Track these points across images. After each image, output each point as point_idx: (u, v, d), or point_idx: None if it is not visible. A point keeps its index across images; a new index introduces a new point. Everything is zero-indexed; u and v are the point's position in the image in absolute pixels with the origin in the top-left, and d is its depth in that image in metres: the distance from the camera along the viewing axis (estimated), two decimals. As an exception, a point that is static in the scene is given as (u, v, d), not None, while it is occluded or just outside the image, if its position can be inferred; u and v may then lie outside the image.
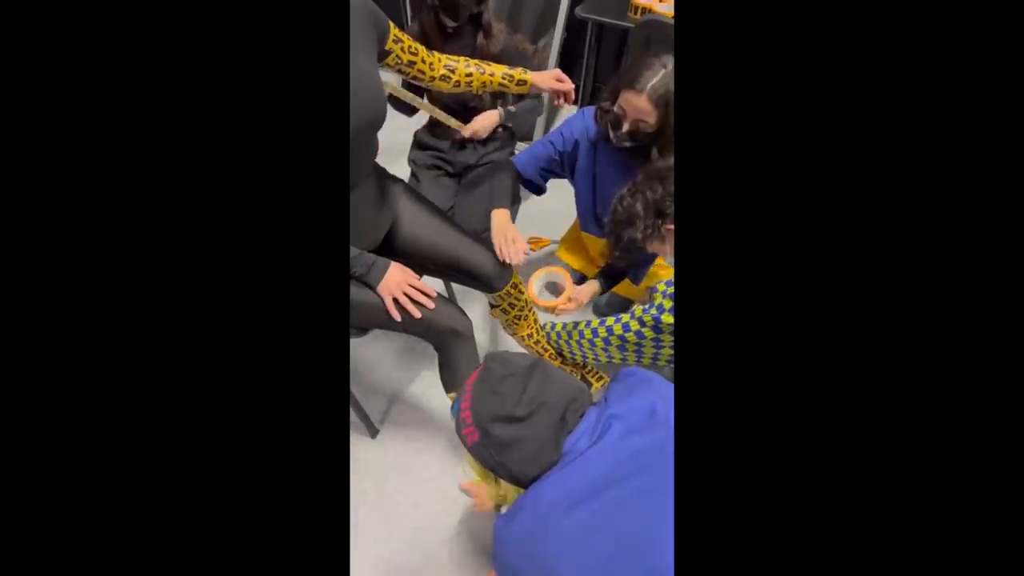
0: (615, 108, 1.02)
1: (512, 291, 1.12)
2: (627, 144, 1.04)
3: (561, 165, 1.22)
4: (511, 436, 0.63)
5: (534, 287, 1.15)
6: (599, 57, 2.22)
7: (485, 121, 1.42)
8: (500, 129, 1.62)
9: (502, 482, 0.71)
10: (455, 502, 1.17)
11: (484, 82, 1.01)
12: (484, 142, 1.59)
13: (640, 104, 0.97)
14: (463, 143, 1.57)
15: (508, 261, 1.04)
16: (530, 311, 1.19)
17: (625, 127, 1.01)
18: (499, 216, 1.12)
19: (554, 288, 1.20)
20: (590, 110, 1.15)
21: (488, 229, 1.47)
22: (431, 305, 0.95)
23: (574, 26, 2.08)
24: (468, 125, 1.43)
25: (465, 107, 1.45)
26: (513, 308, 1.16)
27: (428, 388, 1.38)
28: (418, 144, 1.62)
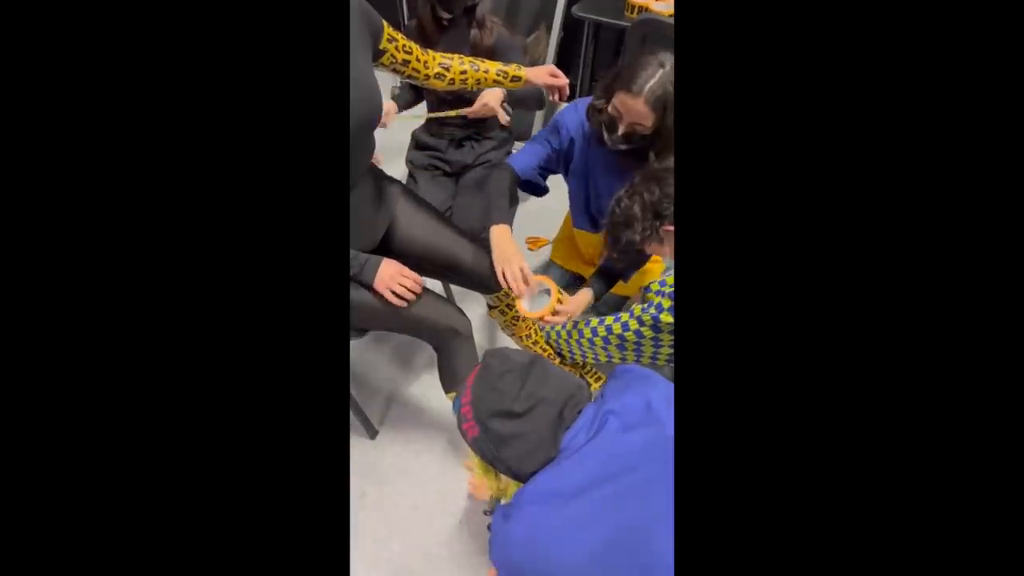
0: (610, 109, 0.98)
1: (511, 292, 1.12)
2: (622, 147, 1.01)
3: (557, 162, 1.18)
4: (509, 431, 0.64)
5: (523, 300, 1.11)
6: (596, 56, 2.23)
7: (491, 96, 1.39)
8: (498, 128, 1.62)
9: (502, 476, 0.72)
10: (455, 503, 1.16)
11: (479, 79, 1.00)
12: (481, 141, 1.59)
13: (636, 107, 0.92)
14: (460, 142, 1.57)
15: (513, 293, 1.01)
16: (528, 312, 1.19)
17: (620, 130, 0.97)
18: (499, 235, 1.04)
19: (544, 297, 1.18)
20: (584, 102, 1.09)
21: (487, 229, 1.47)
22: (418, 290, 0.96)
23: (571, 25, 2.08)
24: (475, 104, 1.40)
25: (460, 100, 1.45)
26: (511, 309, 1.16)
27: (427, 389, 1.38)
28: (416, 144, 1.61)
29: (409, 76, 0.94)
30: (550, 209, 1.50)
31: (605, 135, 1.01)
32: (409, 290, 0.94)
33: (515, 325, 1.19)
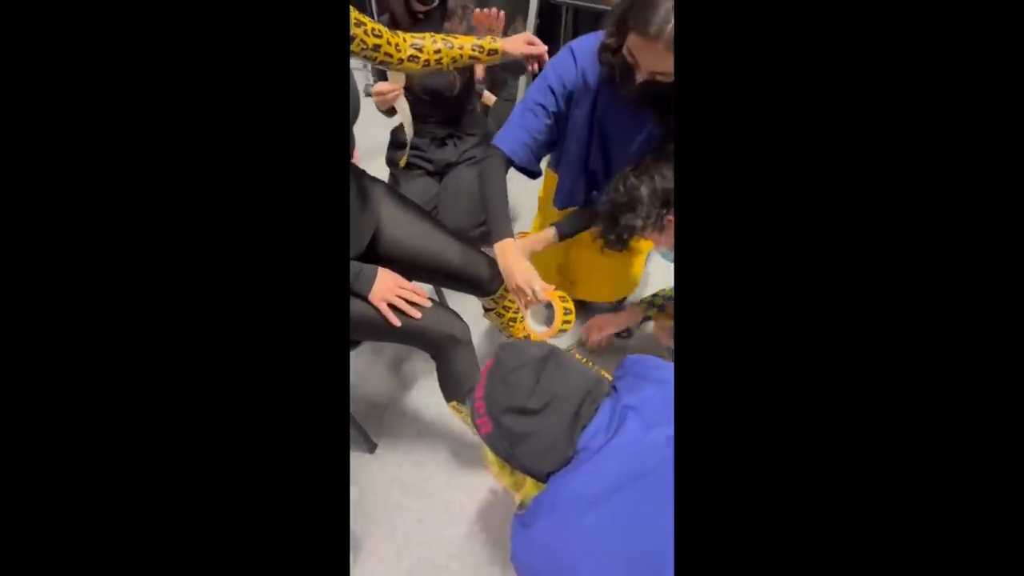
0: (624, 52, 0.78)
1: (505, 293, 1.08)
2: (643, 99, 0.83)
3: (557, 130, 0.98)
4: (523, 429, 0.61)
5: (529, 318, 1.03)
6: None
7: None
8: (481, 124, 1.57)
9: (517, 471, 0.69)
10: (462, 513, 1.13)
11: (454, 57, 0.95)
12: (463, 138, 1.54)
13: (654, 53, 0.72)
14: (443, 140, 1.52)
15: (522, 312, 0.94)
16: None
17: (639, 78, 0.78)
18: (504, 251, 0.91)
19: (550, 308, 1.08)
20: (580, 46, 0.91)
21: (477, 226, 1.42)
22: (427, 304, 0.91)
23: (547, 12, 2.03)
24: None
25: (438, 97, 1.40)
26: (508, 311, 1.11)
27: (425, 397, 1.33)
28: (396, 144, 1.56)
29: (382, 62, 0.88)
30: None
31: (619, 82, 0.82)
32: (409, 302, 0.88)
33: (512, 327, 1.15)
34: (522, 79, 1.98)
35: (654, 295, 1.19)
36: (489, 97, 1.78)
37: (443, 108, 1.46)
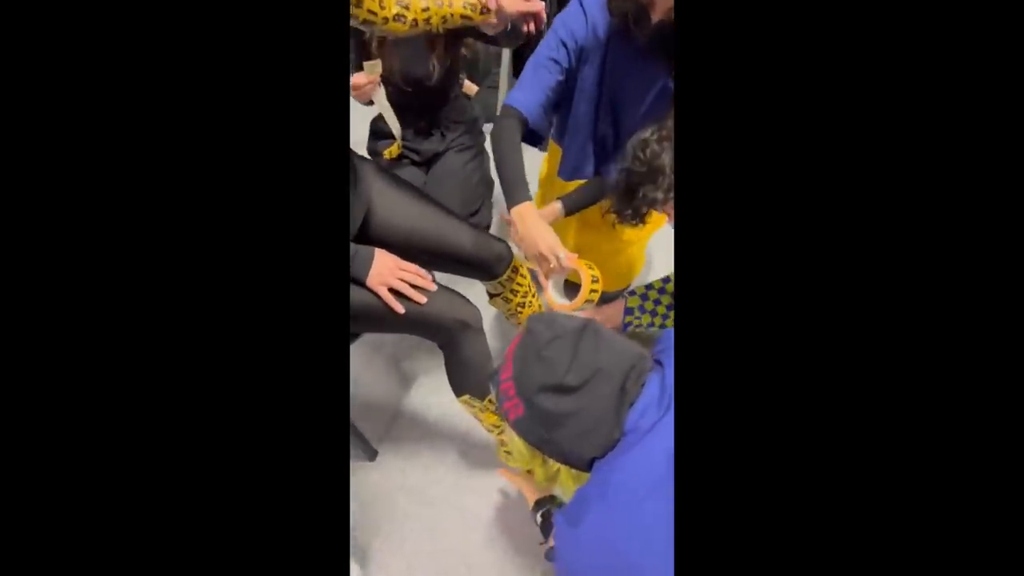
0: None
1: (513, 276, 1.00)
2: (657, 44, 0.78)
3: (566, 89, 0.92)
4: (562, 409, 0.54)
5: (551, 288, 0.97)
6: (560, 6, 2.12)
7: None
8: (466, 110, 1.50)
9: (551, 462, 0.61)
10: (476, 518, 1.05)
11: (444, 16, 0.88)
12: (451, 127, 1.47)
13: None
14: (429, 132, 1.44)
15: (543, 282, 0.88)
16: (534, 297, 1.07)
17: (654, 19, 0.74)
18: (523, 214, 0.83)
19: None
20: None
21: (470, 216, 1.34)
22: (432, 287, 0.83)
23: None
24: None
25: (420, 86, 1.32)
26: (515, 295, 1.04)
27: (427, 396, 1.25)
28: (376, 134, 1.48)
29: (365, 21, 0.80)
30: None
31: (633, 28, 0.79)
32: (413, 286, 0.80)
33: (520, 313, 1.07)
34: (504, 64, 1.91)
35: (648, 288, 1.10)
36: (470, 87, 1.70)
37: (425, 97, 1.38)
